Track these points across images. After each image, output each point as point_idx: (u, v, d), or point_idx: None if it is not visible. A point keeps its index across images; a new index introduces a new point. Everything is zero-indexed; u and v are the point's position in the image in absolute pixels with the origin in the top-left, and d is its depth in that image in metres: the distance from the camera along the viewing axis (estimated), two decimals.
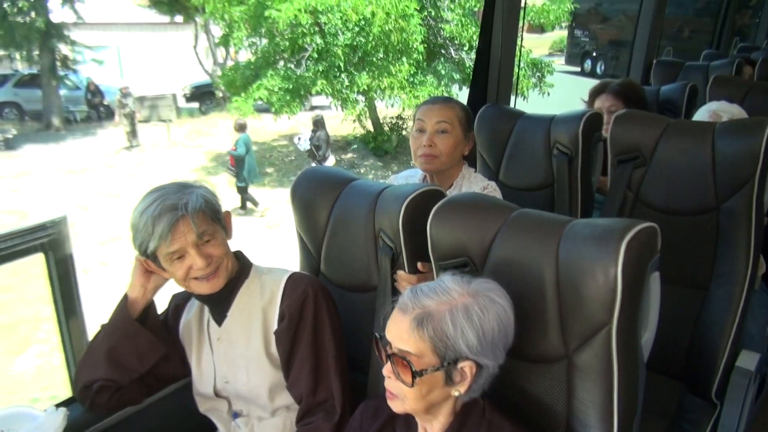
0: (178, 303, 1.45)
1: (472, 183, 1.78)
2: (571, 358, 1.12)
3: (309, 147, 9.47)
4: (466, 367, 1.01)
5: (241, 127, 9.03)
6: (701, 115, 2.20)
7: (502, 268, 1.17)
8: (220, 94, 14.07)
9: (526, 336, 1.14)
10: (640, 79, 3.47)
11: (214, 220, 1.26)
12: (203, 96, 15.06)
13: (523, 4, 2.38)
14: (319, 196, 1.54)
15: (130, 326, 1.32)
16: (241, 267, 1.36)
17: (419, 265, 1.37)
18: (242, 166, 8.91)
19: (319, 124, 9.46)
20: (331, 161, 9.58)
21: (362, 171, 10.94)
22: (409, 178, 1.90)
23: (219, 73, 13.51)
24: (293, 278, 1.36)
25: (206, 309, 1.40)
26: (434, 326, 0.99)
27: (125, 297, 1.34)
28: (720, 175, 1.69)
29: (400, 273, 1.38)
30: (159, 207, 1.19)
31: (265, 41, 10.24)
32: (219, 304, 1.35)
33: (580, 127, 1.93)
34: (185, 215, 1.20)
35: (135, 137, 12.24)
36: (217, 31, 12.22)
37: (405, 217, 1.35)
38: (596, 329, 1.07)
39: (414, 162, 1.79)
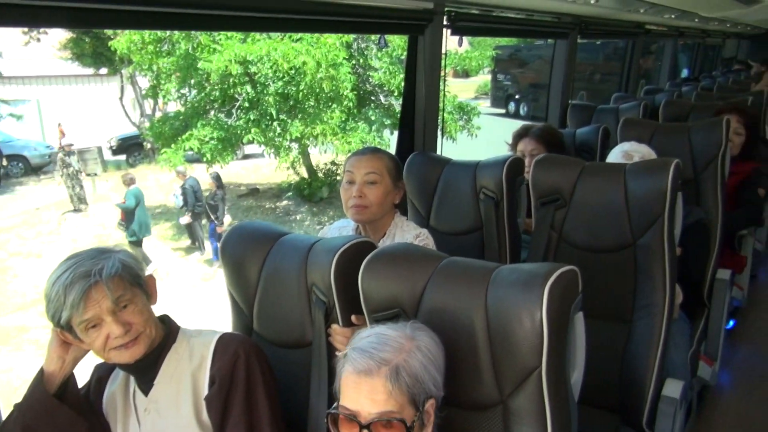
0: (101, 374, 1.37)
1: (405, 231, 1.81)
2: (506, 403, 1.13)
3: (182, 204, 9.27)
4: (430, 406, 1.03)
5: (130, 181, 8.88)
6: (614, 155, 2.34)
7: (434, 317, 1.18)
8: (149, 146, 13.73)
9: (462, 383, 1.16)
10: (558, 121, 3.67)
11: (133, 285, 1.22)
12: (130, 148, 14.66)
13: (444, 52, 2.48)
14: (250, 253, 1.52)
15: (47, 403, 1.24)
16: (168, 331, 1.31)
17: (353, 318, 1.36)
18: (132, 219, 8.71)
19: (216, 181, 9.28)
20: (227, 219, 9.35)
21: (298, 218, 10.88)
22: (342, 229, 1.91)
23: (147, 124, 13.22)
24: (224, 339, 1.32)
25: (131, 379, 1.33)
26: (408, 374, 1.00)
27: (41, 371, 1.26)
28: (633, 213, 1.79)
29: (335, 327, 1.37)
30: (71, 275, 1.15)
31: (194, 92, 10.14)
32: (144, 372, 1.29)
33: (503, 172, 2.01)
34: (99, 281, 1.16)
35: (83, 201, 11.36)
36: (145, 82, 12.02)
37: (336, 270, 1.35)
38: (527, 373, 1.09)
39: (346, 213, 1.81)
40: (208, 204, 9.10)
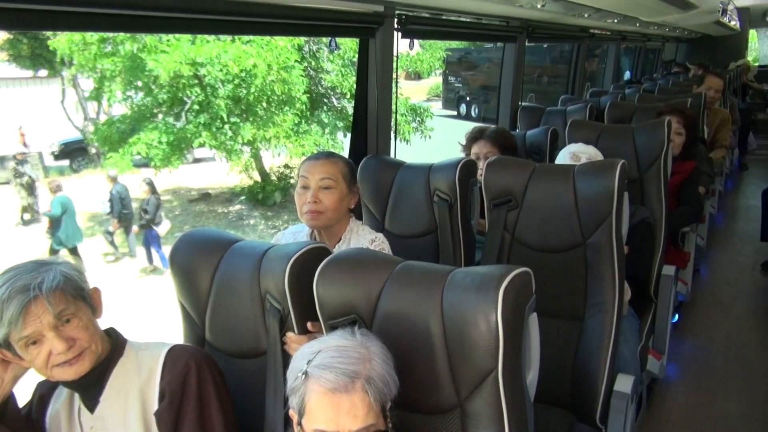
0: (44, 392, 1.30)
1: (360, 236, 1.79)
2: (464, 406, 1.14)
3: (109, 209, 9.03)
4: (389, 409, 1.03)
5: (57, 188, 8.55)
6: (563, 156, 2.39)
7: (391, 322, 1.17)
8: (93, 151, 13.25)
9: (419, 387, 1.15)
10: (508, 123, 3.73)
11: (76, 298, 1.16)
12: (74, 153, 14.08)
13: (396, 54, 2.48)
14: (200, 261, 1.48)
15: None
16: (114, 345, 1.26)
17: (309, 325, 1.34)
18: (58, 228, 8.39)
19: (150, 186, 9.04)
20: (165, 226, 9.12)
21: (251, 222, 10.70)
22: (297, 234, 1.88)
23: (91, 128, 12.75)
24: (173, 351, 1.27)
25: (76, 396, 1.27)
26: (376, 384, 0.99)
27: None
28: (583, 213, 1.83)
29: (290, 335, 1.35)
30: (9, 289, 1.08)
31: (141, 94, 9.85)
32: (90, 388, 1.23)
33: (456, 174, 2.02)
34: (39, 296, 1.10)
35: (37, 210, 10.66)
36: (88, 84, 11.59)
37: (291, 277, 1.32)
38: (484, 375, 1.10)
39: (300, 218, 1.78)
40: (143, 210, 8.83)
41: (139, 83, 9.53)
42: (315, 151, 9.63)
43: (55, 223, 8.40)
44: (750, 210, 5.28)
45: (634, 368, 2.02)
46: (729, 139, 4.54)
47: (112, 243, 9.38)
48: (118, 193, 8.93)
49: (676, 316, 3.20)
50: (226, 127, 9.53)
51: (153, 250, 8.98)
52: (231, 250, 1.48)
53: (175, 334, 1.57)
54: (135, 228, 9.09)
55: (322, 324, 1.25)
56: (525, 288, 1.11)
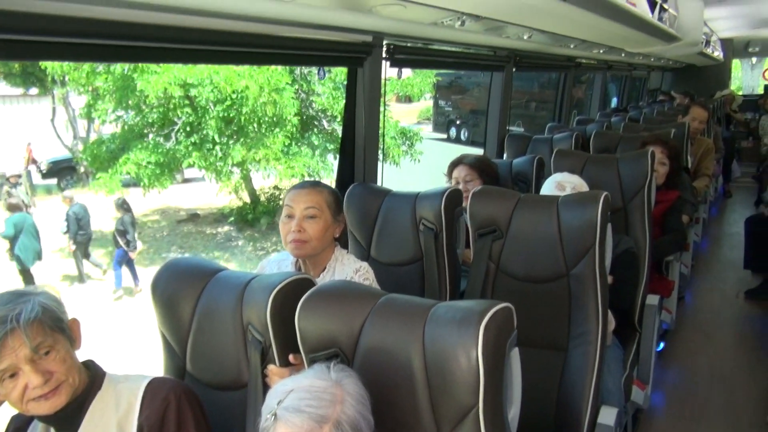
0: (18, 425, 1.28)
1: (345, 265, 1.79)
2: None
3: (66, 230, 8.91)
4: None
5: (12, 207, 8.46)
6: (548, 185, 2.42)
7: (372, 356, 1.17)
8: (82, 170, 13.18)
9: (400, 423, 1.15)
10: (496, 150, 3.77)
11: (54, 330, 1.14)
12: (62, 172, 14.00)
13: (384, 82, 2.50)
14: (183, 290, 1.47)
15: None
16: (92, 378, 1.24)
17: (291, 357, 1.33)
18: (13, 247, 8.29)
19: (122, 207, 8.96)
20: (137, 247, 9.03)
21: (240, 244, 10.65)
22: (281, 262, 1.88)
23: (81, 147, 12.71)
24: (153, 385, 1.26)
25: (52, 430, 1.24)
26: (349, 426, 0.98)
27: None
28: (566, 244, 1.85)
29: (271, 368, 1.34)
30: None
31: (132, 113, 9.85)
32: (66, 423, 1.21)
33: (442, 203, 2.03)
34: (16, 328, 1.08)
35: None
36: (78, 103, 11.56)
37: (273, 309, 1.32)
38: (465, 412, 1.09)
39: (285, 247, 1.78)
40: (117, 230, 8.74)
41: (130, 102, 9.54)
42: (305, 173, 9.66)
43: (12, 243, 8.27)
44: (733, 237, 5.34)
45: (618, 399, 2.02)
46: (712, 168, 4.61)
47: (78, 264, 9.24)
48: (74, 213, 8.82)
49: (661, 345, 3.21)
50: (217, 147, 9.54)
51: (124, 270, 8.86)
52: (214, 280, 1.47)
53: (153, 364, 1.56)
54: (72, 247, 8.93)
55: (304, 357, 1.24)
56: (506, 323, 1.11)
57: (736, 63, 12.58)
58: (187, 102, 9.30)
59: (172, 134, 9.52)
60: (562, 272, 1.86)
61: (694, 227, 3.95)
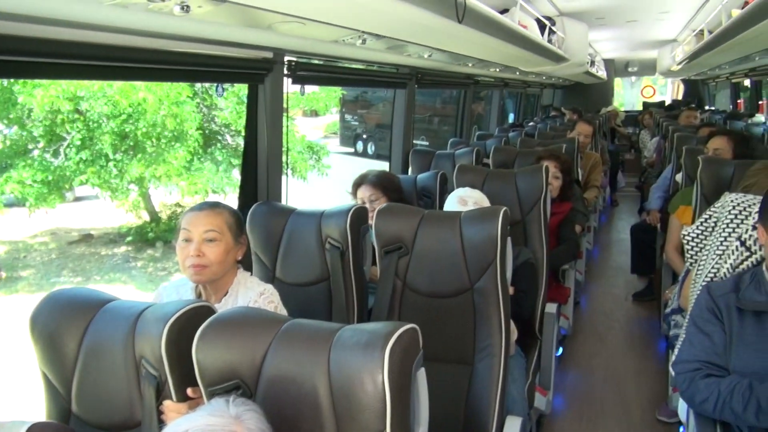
0: None
1: (249, 289, 1.73)
2: None
3: None
4: None
5: None
6: (451, 200, 2.48)
7: (276, 386, 1.13)
8: None
9: None
10: (401, 166, 3.83)
11: None
12: None
13: (286, 99, 2.46)
14: (66, 324, 1.35)
15: None
16: None
17: (189, 391, 1.26)
18: None
19: None
20: None
21: (139, 265, 10.08)
22: (180, 288, 1.78)
23: None
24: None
25: None
26: None
27: None
28: (469, 258, 1.90)
29: (167, 403, 1.25)
30: None
31: (15, 129, 9.08)
32: None
33: (348, 221, 2.02)
34: None
35: None
36: None
37: (168, 340, 1.24)
38: None
39: (183, 272, 1.69)
40: None
41: (11, 116, 8.81)
42: (209, 189, 9.33)
43: None
44: (622, 243, 5.74)
45: (522, 408, 2.08)
46: (601, 179, 4.94)
47: None
48: None
49: (560, 350, 3.37)
50: (111, 164, 9.00)
51: None
52: (102, 311, 1.36)
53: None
54: None
55: (203, 391, 1.17)
56: (412, 345, 1.11)
57: (618, 81, 13.68)
58: (78, 116, 8.73)
59: (61, 150, 8.88)
60: (466, 287, 1.90)
61: (586, 236, 4.21)
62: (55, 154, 8.93)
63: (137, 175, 9.01)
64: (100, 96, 8.59)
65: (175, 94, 8.93)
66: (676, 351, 1.97)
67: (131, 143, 9.02)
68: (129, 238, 10.71)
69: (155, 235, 10.53)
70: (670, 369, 2.02)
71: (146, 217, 10.64)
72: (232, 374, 1.14)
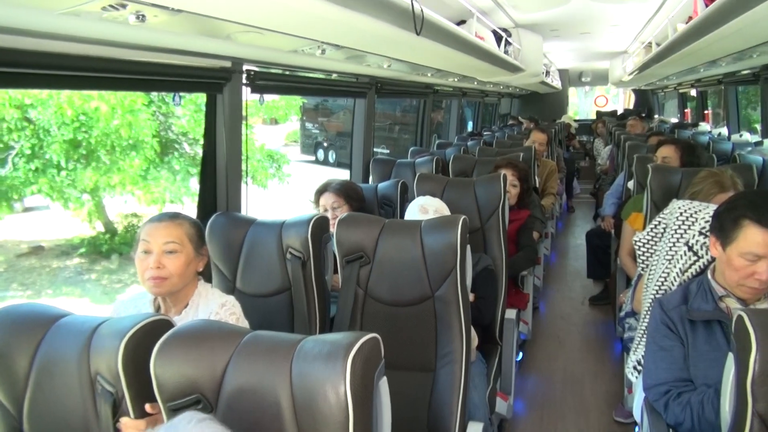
0: None
1: (210, 300, 1.71)
2: None
3: None
4: None
5: None
6: (412, 209, 2.51)
7: (238, 399, 1.12)
8: None
9: None
10: (361, 175, 3.84)
11: None
12: None
13: (245, 107, 2.44)
14: (16, 342, 1.30)
15: None
16: None
17: (147, 407, 1.23)
18: None
19: None
20: None
21: (93, 277, 9.76)
22: (138, 301, 1.75)
23: None
24: None
25: None
26: None
27: None
28: (430, 267, 1.92)
29: (125, 420, 1.22)
30: None
31: None
32: None
33: (308, 231, 2.02)
34: None
35: None
36: None
37: (125, 356, 1.21)
38: None
39: (142, 285, 1.66)
40: None
41: None
42: (166, 199, 9.14)
43: None
44: (578, 248, 5.89)
45: (483, 413, 2.11)
46: (557, 186, 5.07)
47: None
48: None
49: (520, 355, 3.43)
50: (63, 173, 8.74)
51: None
52: (55, 327, 1.32)
53: None
54: None
55: (162, 408, 1.15)
56: (373, 354, 1.12)
57: (573, 90, 14.06)
58: (26, 124, 8.44)
59: (8, 159, 8.56)
60: (428, 294, 1.92)
61: (544, 242, 4.31)
62: (2, 163, 8.62)
63: (91, 184, 8.78)
64: (50, 104, 8.34)
65: (129, 101, 8.75)
66: (631, 354, 2.04)
67: (84, 152, 8.78)
68: (82, 250, 10.40)
69: (110, 247, 10.24)
70: (626, 371, 2.09)
71: (101, 228, 10.36)
72: (192, 389, 1.13)
